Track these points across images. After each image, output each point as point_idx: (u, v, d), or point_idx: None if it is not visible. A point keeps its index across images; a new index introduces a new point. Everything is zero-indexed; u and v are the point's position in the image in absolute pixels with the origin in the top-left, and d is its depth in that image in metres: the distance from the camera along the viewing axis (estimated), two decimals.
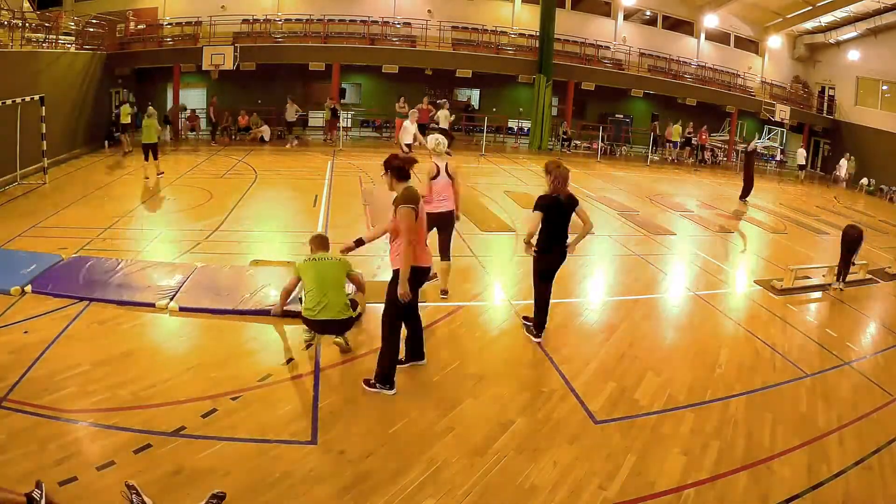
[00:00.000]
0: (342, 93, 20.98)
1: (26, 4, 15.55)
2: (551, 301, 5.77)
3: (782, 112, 22.56)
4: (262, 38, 19.73)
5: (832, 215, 14.91)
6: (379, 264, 7.46)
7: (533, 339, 5.78)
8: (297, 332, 5.48)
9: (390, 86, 20.97)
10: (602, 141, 21.29)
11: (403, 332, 4.84)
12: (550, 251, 5.54)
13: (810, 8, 22.09)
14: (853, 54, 22.55)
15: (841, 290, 8.22)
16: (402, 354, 4.91)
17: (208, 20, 19.07)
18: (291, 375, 4.84)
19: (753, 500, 3.76)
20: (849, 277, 8.48)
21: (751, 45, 25.24)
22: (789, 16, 23.29)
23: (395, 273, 4.47)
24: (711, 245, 10.47)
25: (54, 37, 14.57)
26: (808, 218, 14.08)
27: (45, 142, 11.47)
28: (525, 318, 6.08)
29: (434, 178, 6.17)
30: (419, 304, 4.96)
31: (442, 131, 16.86)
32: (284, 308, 5.62)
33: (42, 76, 12.63)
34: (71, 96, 14.44)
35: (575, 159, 18.73)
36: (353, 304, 5.29)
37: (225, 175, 13.22)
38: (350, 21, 20.56)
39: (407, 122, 12.50)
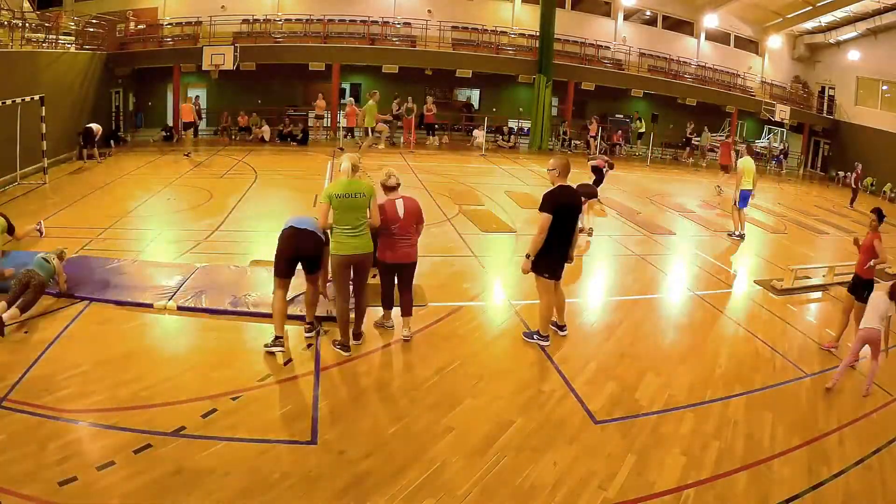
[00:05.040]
0: (342, 93, 20.96)
1: (26, 4, 15.52)
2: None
3: (782, 112, 22.53)
4: (262, 38, 19.72)
5: (832, 216, 14.91)
6: None
7: None
8: (297, 333, 5.48)
9: (390, 86, 20.94)
10: (602, 140, 21.26)
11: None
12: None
13: (810, 8, 22.08)
14: (853, 54, 22.54)
15: None
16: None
17: (208, 20, 19.06)
18: (291, 375, 4.84)
19: (753, 500, 3.76)
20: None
21: (751, 45, 25.22)
22: (789, 16, 23.28)
23: None
24: (711, 245, 10.46)
25: (54, 37, 14.55)
26: (808, 218, 14.08)
27: (45, 142, 11.46)
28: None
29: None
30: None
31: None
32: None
33: (42, 76, 12.62)
34: (71, 96, 14.42)
35: (574, 159, 18.69)
36: None
37: (225, 175, 13.21)
38: (350, 21, 20.55)
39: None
